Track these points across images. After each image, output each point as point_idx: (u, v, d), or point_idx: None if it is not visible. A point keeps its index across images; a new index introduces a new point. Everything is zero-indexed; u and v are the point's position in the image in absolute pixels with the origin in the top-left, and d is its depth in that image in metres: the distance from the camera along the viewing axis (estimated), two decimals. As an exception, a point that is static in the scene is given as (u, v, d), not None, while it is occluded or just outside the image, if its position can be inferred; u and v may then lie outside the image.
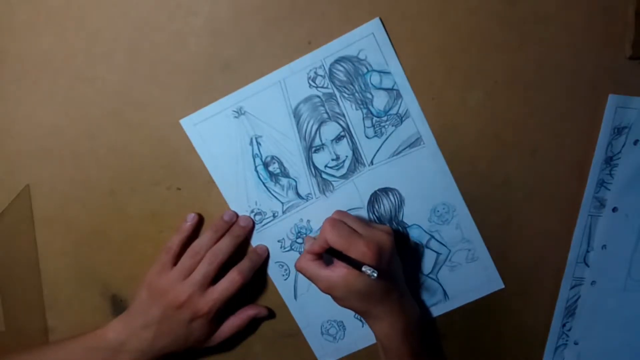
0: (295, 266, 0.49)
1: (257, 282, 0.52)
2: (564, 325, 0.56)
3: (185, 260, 0.50)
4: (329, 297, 0.48)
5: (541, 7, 0.49)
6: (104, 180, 0.51)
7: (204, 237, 0.51)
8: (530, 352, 0.57)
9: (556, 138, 0.52)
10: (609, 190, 0.53)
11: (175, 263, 0.50)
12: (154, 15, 0.48)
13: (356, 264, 0.44)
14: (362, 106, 0.50)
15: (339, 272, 0.46)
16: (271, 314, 0.55)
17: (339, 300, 0.48)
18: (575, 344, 0.57)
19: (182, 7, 0.48)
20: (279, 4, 0.48)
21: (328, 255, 0.47)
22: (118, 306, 0.54)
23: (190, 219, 0.51)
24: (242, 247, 0.52)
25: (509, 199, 0.53)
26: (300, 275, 0.53)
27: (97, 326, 0.51)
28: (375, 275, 0.42)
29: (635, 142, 0.52)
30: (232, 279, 0.50)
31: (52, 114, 0.50)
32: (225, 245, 0.50)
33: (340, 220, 0.48)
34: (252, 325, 0.54)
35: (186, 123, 0.50)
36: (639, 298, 0.56)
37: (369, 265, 0.43)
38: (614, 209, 0.54)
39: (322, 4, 0.48)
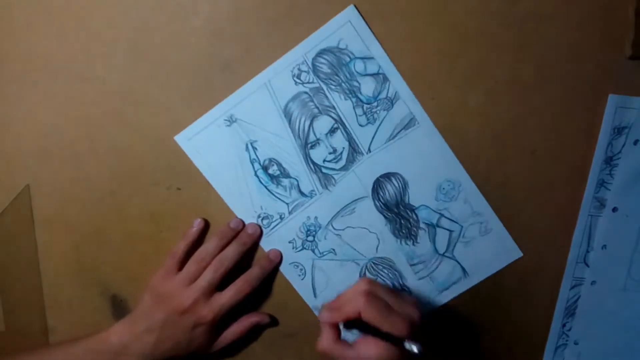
0: (318, 347, 0.44)
1: (260, 286, 0.52)
2: (564, 325, 0.56)
3: (191, 266, 0.50)
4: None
5: (541, 7, 0.49)
6: (104, 180, 0.51)
7: (210, 244, 0.51)
8: (530, 352, 0.57)
9: (556, 138, 0.52)
10: (609, 190, 0.53)
11: (180, 268, 0.50)
12: (154, 15, 0.48)
13: (392, 339, 0.41)
14: (350, 95, 0.50)
15: (371, 350, 0.42)
16: (273, 321, 0.55)
17: None
18: (575, 344, 0.57)
19: (182, 7, 0.48)
20: (279, 4, 0.48)
21: (345, 325, 0.44)
22: (118, 306, 0.54)
23: (197, 224, 0.51)
24: (248, 255, 0.52)
25: (509, 199, 0.53)
26: (317, 273, 0.53)
27: (97, 326, 0.51)
28: (420, 351, 0.39)
29: (635, 142, 0.52)
30: (238, 288, 0.50)
31: (52, 114, 0.50)
32: (232, 252, 0.50)
33: (376, 294, 0.44)
34: (254, 331, 0.54)
35: (180, 139, 0.50)
36: (639, 298, 0.56)
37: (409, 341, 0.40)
38: (614, 209, 0.54)
39: (322, 3, 0.48)
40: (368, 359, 0.42)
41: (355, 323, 0.43)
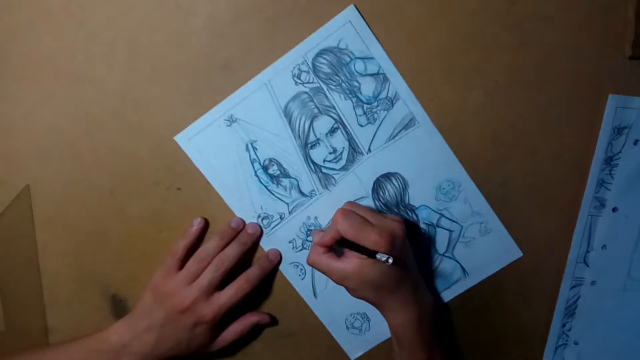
0: (307, 261, 0.48)
1: (259, 286, 0.52)
2: (564, 325, 0.56)
3: (191, 265, 0.50)
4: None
5: (541, 7, 0.49)
6: (104, 180, 0.51)
7: (211, 243, 0.51)
8: (530, 352, 0.57)
9: (556, 138, 0.52)
10: (609, 190, 0.53)
11: (180, 267, 0.50)
12: (154, 15, 0.48)
13: (369, 253, 0.43)
14: (350, 95, 0.50)
15: (351, 262, 0.45)
16: (273, 321, 0.55)
17: (353, 291, 0.47)
18: (575, 344, 0.57)
19: (182, 7, 0.48)
20: (279, 4, 0.48)
21: (338, 246, 0.47)
22: (118, 306, 0.54)
23: (197, 223, 0.51)
24: (248, 254, 0.52)
25: (509, 199, 0.53)
26: (317, 273, 0.53)
27: (97, 326, 0.51)
28: (390, 261, 0.41)
29: (635, 142, 0.52)
30: (239, 287, 0.50)
31: (52, 114, 0.50)
32: (232, 252, 0.50)
33: (351, 210, 0.47)
34: (253, 331, 0.54)
35: (180, 139, 0.50)
36: (639, 298, 0.56)
37: (383, 253, 0.42)
38: (614, 209, 0.54)
39: (322, 3, 0.48)
40: (346, 270, 0.46)
41: (346, 242, 0.46)
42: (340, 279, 0.47)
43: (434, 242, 0.54)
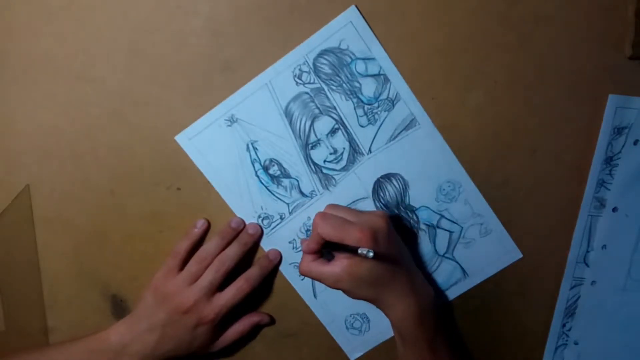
0: (300, 271, 0.49)
1: (260, 286, 0.52)
2: (564, 325, 0.56)
3: (192, 265, 0.50)
4: None
5: (541, 7, 0.49)
6: (104, 180, 0.51)
7: (211, 244, 0.51)
8: (530, 352, 0.57)
9: (556, 138, 0.52)
10: (609, 190, 0.53)
11: (181, 268, 0.50)
12: (154, 15, 0.48)
13: (353, 250, 0.43)
14: (351, 96, 0.50)
15: (340, 264, 0.46)
16: (273, 321, 0.55)
17: (349, 292, 0.47)
18: (575, 344, 0.57)
19: (182, 7, 0.48)
20: (279, 4, 0.48)
21: (327, 251, 0.47)
22: (118, 306, 0.54)
23: (200, 225, 0.51)
24: (249, 254, 0.52)
25: (509, 199, 0.53)
26: None
27: (97, 326, 0.51)
28: (371, 254, 0.41)
29: (635, 142, 0.52)
30: (239, 287, 0.50)
31: (52, 114, 0.50)
32: (233, 252, 0.50)
33: (328, 212, 0.48)
34: (253, 331, 0.55)
35: (181, 138, 0.50)
36: (639, 298, 0.56)
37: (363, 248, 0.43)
38: (614, 209, 0.54)
39: (323, 4, 0.48)
40: (336, 273, 0.46)
41: (332, 245, 0.46)
42: (333, 283, 0.47)
43: (434, 243, 0.54)
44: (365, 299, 0.48)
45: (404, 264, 0.49)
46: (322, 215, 0.47)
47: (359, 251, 0.42)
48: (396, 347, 0.51)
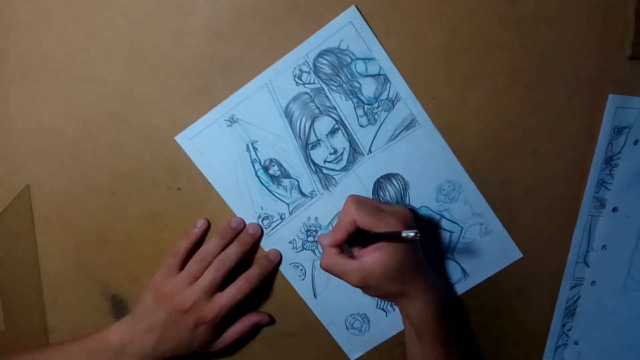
0: (321, 265, 0.47)
1: (260, 286, 0.52)
2: (564, 325, 0.56)
3: (192, 265, 0.50)
4: (349, 291, 0.46)
5: (541, 7, 0.49)
6: (104, 180, 0.51)
7: (211, 244, 0.51)
8: (530, 352, 0.57)
9: (556, 138, 0.52)
10: (609, 190, 0.53)
11: (181, 268, 0.50)
12: (154, 15, 0.48)
13: (390, 236, 0.42)
14: (351, 96, 0.50)
15: (371, 257, 0.44)
16: (273, 321, 0.55)
17: (374, 288, 0.45)
18: (575, 344, 0.57)
19: (182, 7, 0.48)
20: (279, 4, 0.48)
21: (345, 245, 0.46)
22: (118, 306, 0.54)
23: (200, 224, 0.51)
24: (249, 254, 0.52)
25: (509, 199, 0.53)
26: (317, 273, 0.53)
27: (97, 326, 0.51)
28: (419, 235, 0.40)
29: (635, 142, 0.52)
30: (239, 287, 0.50)
31: (52, 114, 0.50)
32: (233, 252, 0.50)
33: (363, 200, 0.46)
34: (253, 331, 0.55)
35: (181, 139, 0.50)
36: (639, 298, 0.56)
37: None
38: (614, 209, 0.54)
39: (323, 4, 0.48)
40: (367, 266, 0.44)
41: (354, 240, 0.45)
42: (360, 280, 0.44)
43: (434, 244, 0.54)
44: (388, 294, 0.47)
45: (422, 257, 0.48)
46: (356, 200, 0.45)
47: (403, 234, 0.40)
48: (406, 345, 0.50)
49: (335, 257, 0.46)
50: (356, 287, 0.46)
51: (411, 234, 0.40)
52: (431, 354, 0.48)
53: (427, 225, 0.54)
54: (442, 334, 0.47)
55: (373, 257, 0.44)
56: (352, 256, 0.47)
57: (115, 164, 0.51)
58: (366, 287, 0.46)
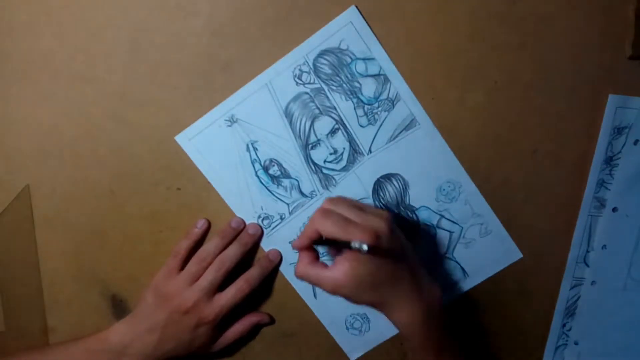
0: (295, 274, 0.46)
1: (260, 286, 0.52)
2: (564, 325, 0.56)
3: (192, 266, 0.50)
4: None
5: (541, 7, 0.49)
6: (104, 180, 0.51)
7: (211, 244, 0.51)
8: (530, 352, 0.57)
9: (556, 138, 0.52)
10: (609, 190, 0.53)
11: (181, 268, 0.50)
12: (154, 15, 0.48)
13: (346, 245, 0.41)
14: (351, 96, 0.50)
15: (341, 267, 0.43)
16: (273, 321, 0.55)
17: (351, 298, 0.44)
18: (575, 344, 0.57)
19: (182, 7, 0.48)
20: (279, 4, 0.48)
21: (327, 247, 0.46)
22: (118, 306, 0.54)
23: (200, 225, 0.51)
24: (249, 255, 0.52)
25: (509, 199, 0.53)
26: None
27: (97, 326, 0.51)
28: (365, 247, 0.39)
29: (635, 142, 0.52)
30: (239, 287, 0.50)
31: (52, 114, 0.50)
32: (233, 252, 0.50)
33: (330, 209, 0.45)
34: (254, 331, 0.55)
35: (181, 139, 0.50)
36: (639, 298, 0.56)
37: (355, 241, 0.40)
38: (614, 209, 0.54)
39: (323, 4, 0.48)
40: (339, 276, 0.43)
41: (325, 242, 0.44)
42: (333, 288, 0.43)
43: (434, 244, 0.54)
44: (368, 304, 0.46)
45: (408, 263, 0.46)
46: (322, 212, 0.44)
47: (352, 244, 0.40)
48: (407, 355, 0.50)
49: (307, 266, 0.45)
50: (331, 294, 0.45)
51: (356, 245, 0.39)
52: None
53: (427, 225, 0.54)
54: (432, 344, 0.46)
55: (342, 268, 0.43)
56: (325, 265, 0.45)
57: (115, 164, 0.51)
58: (343, 296, 0.45)
